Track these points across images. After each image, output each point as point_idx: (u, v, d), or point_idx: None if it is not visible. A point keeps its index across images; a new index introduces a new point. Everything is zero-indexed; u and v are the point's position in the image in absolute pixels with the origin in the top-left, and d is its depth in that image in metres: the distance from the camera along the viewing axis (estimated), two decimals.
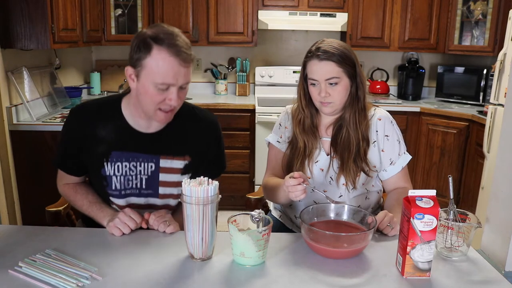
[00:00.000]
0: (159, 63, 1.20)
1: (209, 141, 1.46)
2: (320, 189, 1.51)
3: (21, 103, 2.64)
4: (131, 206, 1.40)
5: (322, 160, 1.52)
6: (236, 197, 3.27)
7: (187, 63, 1.22)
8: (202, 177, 1.18)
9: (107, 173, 1.36)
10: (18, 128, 2.58)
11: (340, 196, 1.51)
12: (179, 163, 1.40)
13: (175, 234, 1.31)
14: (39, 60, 2.93)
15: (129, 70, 1.26)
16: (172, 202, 1.46)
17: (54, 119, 2.72)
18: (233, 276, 1.09)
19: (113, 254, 1.18)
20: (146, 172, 1.38)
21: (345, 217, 1.33)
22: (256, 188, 3.41)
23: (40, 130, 2.61)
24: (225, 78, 3.86)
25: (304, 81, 1.50)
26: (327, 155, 1.52)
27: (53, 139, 2.60)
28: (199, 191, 1.11)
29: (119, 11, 3.45)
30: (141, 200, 1.42)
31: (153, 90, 1.23)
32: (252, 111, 3.37)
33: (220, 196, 1.15)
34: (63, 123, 1.46)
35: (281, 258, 1.18)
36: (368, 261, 1.18)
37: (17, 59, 2.64)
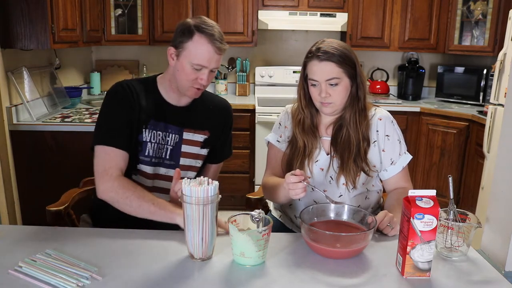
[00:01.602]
0: (197, 47, 1.40)
1: (225, 123, 1.65)
2: (320, 188, 1.51)
3: (21, 103, 2.64)
4: (157, 176, 1.53)
5: (322, 160, 1.52)
6: (236, 197, 3.27)
7: (220, 51, 1.43)
8: (202, 177, 1.18)
9: (144, 139, 1.49)
10: (18, 128, 2.58)
11: (340, 196, 1.51)
12: (199, 137, 1.56)
13: (175, 234, 1.31)
14: (39, 60, 2.93)
15: (171, 50, 1.46)
16: (190, 174, 1.58)
17: (54, 119, 2.72)
18: (233, 276, 1.10)
19: (113, 254, 1.18)
20: (172, 143, 1.53)
21: (345, 217, 1.33)
22: (256, 188, 3.41)
23: (40, 130, 2.61)
24: (225, 78, 3.86)
25: (304, 81, 1.50)
26: (327, 154, 1.52)
27: (53, 139, 2.60)
28: (199, 191, 1.11)
29: (119, 11, 3.44)
30: (163, 171, 1.54)
31: (189, 68, 1.42)
32: (252, 111, 3.37)
33: (220, 196, 1.16)
34: (103, 101, 1.49)
35: (281, 258, 1.18)
36: (368, 261, 1.18)
37: (17, 59, 2.64)
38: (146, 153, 1.49)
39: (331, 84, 1.43)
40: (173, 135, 1.52)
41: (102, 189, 1.38)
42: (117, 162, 1.41)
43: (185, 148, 1.54)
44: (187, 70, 1.42)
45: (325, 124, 1.55)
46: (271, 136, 1.63)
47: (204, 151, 1.58)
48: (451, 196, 1.24)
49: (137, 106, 1.47)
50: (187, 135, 1.54)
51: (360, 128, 1.48)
